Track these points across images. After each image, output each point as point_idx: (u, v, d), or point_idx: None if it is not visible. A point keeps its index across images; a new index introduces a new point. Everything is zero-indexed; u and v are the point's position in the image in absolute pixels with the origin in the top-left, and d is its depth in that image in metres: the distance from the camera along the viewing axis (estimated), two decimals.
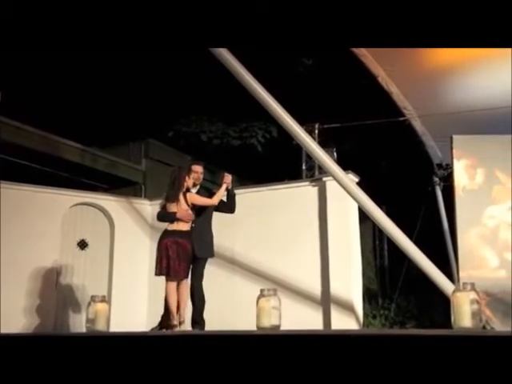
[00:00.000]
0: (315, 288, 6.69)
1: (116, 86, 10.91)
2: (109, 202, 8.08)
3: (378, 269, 12.05)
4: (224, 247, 6.96)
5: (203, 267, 5.48)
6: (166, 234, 5.26)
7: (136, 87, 11.00)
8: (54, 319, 7.21)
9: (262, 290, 3.59)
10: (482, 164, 6.89)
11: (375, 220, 5.74)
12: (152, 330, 5.52)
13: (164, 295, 5.33)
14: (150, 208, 8.01)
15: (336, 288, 6.50)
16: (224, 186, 5.47)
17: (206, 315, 5.41)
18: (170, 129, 11.72)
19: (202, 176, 5.65)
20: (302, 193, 7.11)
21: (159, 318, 5.53)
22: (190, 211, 5.28)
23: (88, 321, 4.25)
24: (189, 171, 5.46)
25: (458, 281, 6.32)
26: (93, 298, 4.31)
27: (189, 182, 5.40)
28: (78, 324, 7.06)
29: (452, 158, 7.07)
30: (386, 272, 11.91)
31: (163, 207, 5.47)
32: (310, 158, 7.35)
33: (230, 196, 5.58)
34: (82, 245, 7.81)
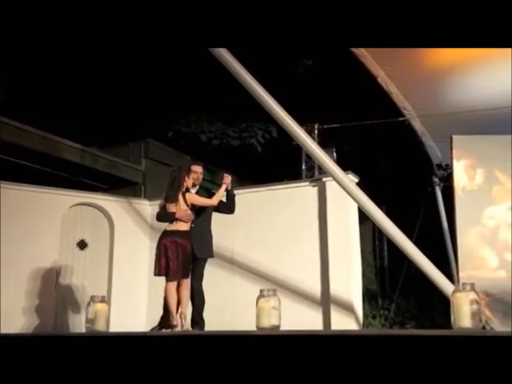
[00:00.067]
0: (315, 288, 6.69)
1: (116, 85, 10.90)
2: (109, 202, 8.08)
3: (377, 269, 12.05)
4: (224, 247, 6.96)
5: (203, 267, 5.48)
6: (165, 234, 5.26)
7: (136, 87, 10.99)
8: (53, 319, 7.21)
9: (261, 291, 3.59)
10: (482, 164, 6.89)
11: (375, 220, 5.75)
12: (152, 330, 5.52)
13: (163, 295, 5.34)
14: (149, 208, 8.01)
15: (336, 288, 6.50)
16: (223, 187, 5.46)
17: (205, 315, 5.40)
18: (170, 129, 11.72)
19: (201, 176, 5.65)
20: (302, 193, 7.11)
21: (159, 318, 5.53)
22: (189, 211, 5.28)
23: (88, 321, 4.25)
24: (188, 171, 5.45)
25: (458, 281, 6.32)
26: (92, 298, 4.31)
27: (188, 182, 5.40)
28: (78, 324, 7.06)
29: (452, 159, 7.07)
30: (385, 272, 11.91)
31: (163, 207, 5.46)
32: (309, 158, 7.34)
33: (230, 196, 5.58)
34: (82, 245, 7.81)
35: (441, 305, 6.40)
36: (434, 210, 9.09)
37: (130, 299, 7.51)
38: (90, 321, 4.21)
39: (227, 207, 5.60)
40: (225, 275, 7.09)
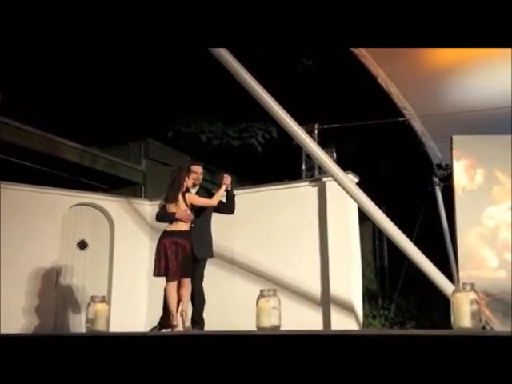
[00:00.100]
0: (315, 288, 6.69)
1: (116, 85, 10.90)
2: (109, 202, 8.08)
3: (377, 269, 12.06)
4: (224, 247, 6.96)
5: (203, 268, 5.48)
6: (164, 234, 5.26)
7: (136, 87, 10.99)
8: (53, 319, 7.21)
9: (261, 291, 3.59)
10: (482, 164, 6.89)
11: (375, 220, 5.75)
12: (151, 330, 5.52)
13: (163, 295, 5.35)
14: (149, 208, 8.01)
15: (336, 288, 6.50)
16: (223, 187, 5.46)
17: (205, 315, 5.41)
18: (170, 129, 11.72)
19: (201, 176, 5.65)
20: (302, 193, 7.11)
21: (159, 319, 5.53)
22: (189, 211, 5.28)
23: (88, 321, 4.25)
24: (188, 171, 5.45)
25: (458, 281, 6.32)
26: (92, 299, 4.31)
27: (188, 182, 5.40)
28: (78, 324, 7.06)
29: (452, 159, 7.07)
30: (385, 272, 11.91)
31: (162, 207, 5.47)
32: (309, 158, 7.34)
33: (230, 197, 5.58)
34: (82, 245, 7.81)
35: (441, 305, 6.40)
36: (434, 210, 9.09)
37: (130, 299, 7.51)
38: (90, 321, 4.20)
39: (227, 207, 5.60)
40: (225, 275, 7.09)
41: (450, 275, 6.82)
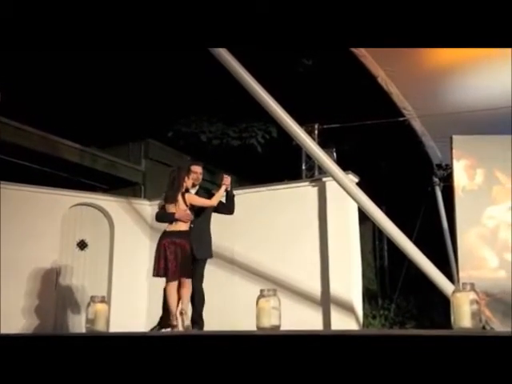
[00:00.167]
0: (315, 288, 6.69)
1: (116, 86, 10.90)
2: (108, 202, 8.08)
3: (377, 269, 12.06)
4: (224, 247, 6.97)
5: (203, 268, 5.48)
6: (164, 234, 5.26)
7: (136, 87, 10.99)
8: (53, 319, 7.21)
9: (261, 291, 3.59)
10: (482, 164, 6.89)
11: (375, 220, 5.74)
12: (151, 330, 5.52)
13: (163, 295, 5.35)
14: (149, 208, 8.01)
15: (336, 288, 6.49)
16: (223, 188, 5.46)
17: (205, 315, 5.41)
18: (170, 129, 11.72)
19: (201, 176, 5.64)
20: (302, 193, 7.11)
21: (159, 319, 5.53)
22: (188, 211, 5.28)
23: (87, 321, 4.24)
24: (188, 172, 5.45)
25: (458, 281, 6.32)
26: (92, 299, 4.30)
27: (188, 182, 5.40)
28: (78, 324, 7.06)
29: (452, 159, 7.07)
30: (385, 272, 11.91)
31: (162, 207, 5.47)
32: (309, 158, 7.34)
33: (229, 197, 5.57)
34: (82, 245, 7.81)
35: (441, 305, 6.40)
36: (434, 210, 9.09)
37: (130, 299, 7.51)
38: (90, 321, 4.20)
39: (227, 208, 5.60)
40: (225, 275, 7.09)
41: (450, 275, 6.82)
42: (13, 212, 6.96)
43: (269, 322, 3.48)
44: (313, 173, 7.84)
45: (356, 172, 6.55)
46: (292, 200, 7.13)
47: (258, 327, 3.51)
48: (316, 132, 8.05)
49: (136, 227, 7.98)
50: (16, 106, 8.11)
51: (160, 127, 11.64)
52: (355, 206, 6.38)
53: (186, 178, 5.37)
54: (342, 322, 6.30)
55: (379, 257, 12.18)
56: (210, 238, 5.56)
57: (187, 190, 5.37)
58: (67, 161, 10.31)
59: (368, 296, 9.09)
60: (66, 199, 7.68)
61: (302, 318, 5.98)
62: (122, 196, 8.79)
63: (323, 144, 6.71)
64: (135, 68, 10.66)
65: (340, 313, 6.41)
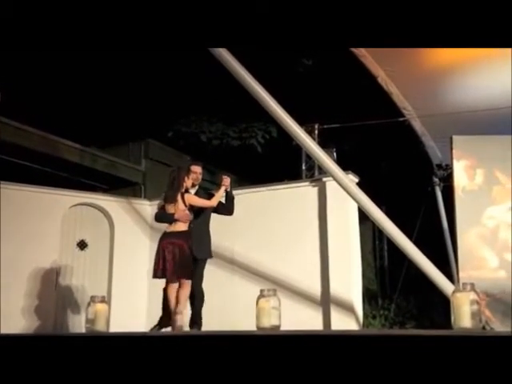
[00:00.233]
0: (315, 288, 6.69)
1: (116, 85, 10.91)
2: (108, 202, 8.07)
3: (377, 269, 12.06)
4: (224, 247, 6.97)
5: (203, 268, 5.48)
6: (164, 235, 5.26)
7: (136, 87, 11.00)
8: (53, 320, 7.21)
9: (261, 291, 3.59)
10: (482, 164, 6.89)
11: (375, 220, 5.75)
12: (151, 330, 5.51)
13: (162, 296, 5.35)
14: (149, 208, 8.01)
15: (336, 288, 6.49)
16: (223, 188, 5.46)
17: (205, 315, 5.40)
18: (170, 129, 11.72)
19: (200, 176, 5.64)
20: (302, 193, 7.11)
21: (158, 319, 5.53)
22: (187, 212, 5.27)
23: (87, 321, 4.25)
24: (188, 172, 5.44)
25: (458, 281, 6.32)
26: (92, 299, 4.30)
27: (188, 182, 5.39)
28: (78, 324, 7.06)
29: (452, 159, 7.06)
30: (385, 272, 11.91)
31: (161, 208, 5.47)
32: (309, 158, 7.34)
33: (229, 198, 5.57)
34: (82, 245, 7.81)
35: (441, 305, 6.41)
36: (434, 210, 9.09)
37: (130, 299, 7.51)
38: (90, 321, 4.20)
39: (226, 209, 5.59)
40: (225, 275, 7.09)
41: (450, 275, 6.82)
42: (13, 212, 6.96)
43: (269, 321, 3.48)
44: (313, 173, 7.84)
45: (356, 172, 6.54)
46: (292, 200, 7.13)
47: (257, 327, 3.51)
48: (316, 132, 8.05)
49: (136, 227, 7.98)
50: (16, 106, 8.11)
51: (160, 127, 11.64)
52: (355, 206, 6.38)
53: (186, 178, 5.36)
54: (342, 322, 6.30)
55: (379, 257, 12.18)
56: (210, 238, 5.56)
57: (187, 190, 5.37)
58: (67, 161, 10.30)
59: (368, 296, 9.09)
60: (66, 199, 7.68)
61: (301, 318, 5.98)
62: (122, 196, 8.79)
63: (323, 144, 6.71)
64: (135, 68, 10.66)
65: (340, 313, 6.41)
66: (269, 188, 7.40)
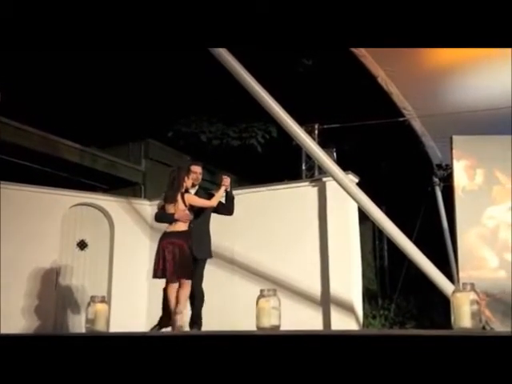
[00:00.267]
0: (315, 288, 6.69)
1: (116, 86, 10.91)
2: (109, 202, 8.07)
3: (377, 269, 12.06)
4: (224, 247, 6.97)
5: (203, 268, 5.48)
6: (164, 235, 5.25)
7: (136, 87, 11.00)
8: (53, 320, 7.21)
9: (261, 291, 3.59)
10: (482, 164, 6.89)
11: (375, 220, 5.75)
12: (151, 330, 5.51)
13: (163, 296, 5.35)
14: (149, 208, 8.01)
15: (336, 288, 6.49)
16: (222, 189, 5.46)
17: (205, 315, 5.40)
18: (170, 129, 11.72)
19: (200, 177, 5.64)
20: (302, 193, 7.11)
21: (158, 318, 5.53)
22: (187, 211, 5.27)
23: (87, 321, 4.25)
24: (188, 172, 5.44)
25: (458, 281, 6.32)
26: (92, 299, 4.30)
27: (188, 182, 5.39)
28: (78, 324, 7.06)
29: (452, 159, 7.07)
30: (385, 272, 11.91)
31: (161, 208, 5.47)
32: (309, 158, 7.34)
33: (229, 198, 5.57)
34: (82, 245, 7.81)
35: (441, 305, 6.41)
36: (434, 210, 9.09)
37: (130, 299, 7.51)
38: (90, 321, 4.20)
39: (226, 209, 5.59)
40: (225, 275, 7.09)
41: (450, 275, 6.82)
42: (13, 212, 6.96)
43: (269, 321, 3.48)
44: (313, 173, 7.84)
45: (356, 172, 6.54)
46: (292, 200, 7.13)
47: (257, 327, 3.51)
48: (316, 132, 8.05)
49: (136, 227, 7.98)
50: (16, 106, 8.11)
51: (160, 127, 11.64)
52: (355, 206, 6.38)
53: (186, 178, 5.36)
54: (342, 322, 6.30)
55: (379, 257, 12.18)
56: (210, 238, 5.56)
57: (187, 190, 5.37)
58: (67, 161, 10.30)
59: (368, 296, 9.09)
60: (66, 199, 7.68)
61: (301, 318, 5.98)
62: (122, 196, 8.79)
63: (323, 144, 6.72)
64: (135, 68, 10.66)
65: (340, 313, 6.41)
66: (269, 188, 7.40)
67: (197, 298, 5.39)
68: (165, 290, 5.26)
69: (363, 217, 6.33)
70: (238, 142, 11.75)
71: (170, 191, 5.31)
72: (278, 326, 3.51)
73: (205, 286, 5.43)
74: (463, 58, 6.18)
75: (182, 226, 5.23)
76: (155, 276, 5.17)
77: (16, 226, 6.96)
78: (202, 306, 5.42)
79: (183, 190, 5.31)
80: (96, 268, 7.78)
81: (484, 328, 4.41)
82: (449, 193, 7.53)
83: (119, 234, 7.90)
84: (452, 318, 3.28)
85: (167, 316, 5.25)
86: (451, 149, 7.02)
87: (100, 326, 4.17)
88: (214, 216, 5.61)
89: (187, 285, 5.19)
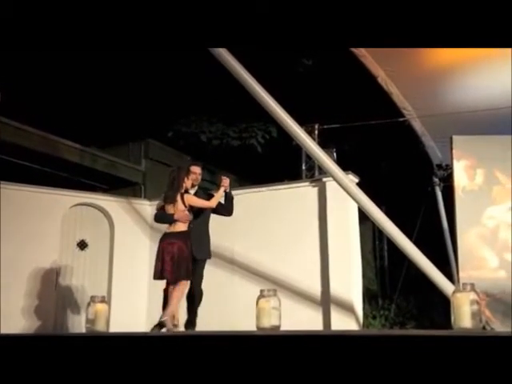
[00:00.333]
0: (315, 288, 6.69)
1: (116, 85, 10.91)
2: (109, 202, 8.07)
3: (377, 269, 12.05)
4: (224, 247, 6.97)
5: (202, 268, 5.48)
6: (164, 236, 5.25)
7: (135, 87, 11.00)
8: (53, 320, 7.20)
9: (261, 291, 3.59)
10: (482, 164, 6.89)
11: (375, 220, 5.75)
12: (152, 329, 5.51)
13: (163, 296, 5.35)
14: (149, 208, 8.00)
15: (336, 288, 6.49)
16: (222, 189, 5.46)
17: (206, 315, 5.40)
18: (170, 129, 11.72)
19: (200, 177, 5.63)
20: (302, 193, 7.11)
21: (159, 318, 5.53)
22: (186, 212, 5.26)
23: (88, 321, 4.25)
24: (187, 172, 5.44)
25: (458, 281, 6.32)
26: (92, 299, 4.31)
27: (187, 183, 5.39)
28: (78, 324, 7.06)
29: (452, 159, 7.07)
30: (385, 272, 11.91)
31: (161, 208, 5.47)
32: (309, 158, 7.34)
33: (228, 199, 5.57)
34: (82, 245, 7.81)
35: (441, 305, 6.40)
36: (434, 210, 9.09)
37: (130, 299, 7.51)
38: (90, 321, 4.21)
39: (225, 209, 5.59)
40: (225, 275, 7.09)
41: (450, 275, 6.82)
42: (13, 212, 6.96)
43: (269, 322, 3.49)
44: (313, 173, 7.84)
45: (356, 172, 6.54)
46: (292, 200, 7.13)
47: (257, 327, 3.51)
48: (316, 132, 8.04)
49: (136, 227, 7.98)
50: (16, 106, 8.11)
51: (160, 127, 11.64)
52: (355, 206, 6.38)
53: (186, 179, 5.36)
54: (342, 322, 6.30)
55: (379, 257, 12.18)
56: (209, 238, 5.56)
57: (186, 191, 5.37)
58: (67, 161, 10.30)
59: (368, 296, 9.08)
60: (66, 199, 7.68)
61: (301, 318, 5.98)
62: (122, 196, 8.79)
63: (323, 144, 6.71)
64: (135, 68, 10.66)
65: (340, 313, 6.41)
66: (269, 188, 7.40)
67: (196, 298, 5.39)
68: (165, 291, 5.26)
69: (363, 217, 6.33)
70: (238, 142, 11.75)
71: (170, 191, 5.30)
72: (278, 326, 3.51)
73: (205, 286, 5.43)
74: (463, 58, 6.18)
75: (181, 227, 5.22)
76: (155, 277, 5.17)
77: (16, 226, 6.96)
78: (199, 305, 5.42)
79: (183, 191, 5.31)
80: (96, 268, 7.78)
81: (484, 328, 4.40)
82: (449, 193, 7.53)
83: (119, 234, 7.90)
84: (452, 318, 3.28)
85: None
86: (451, 149, 7.02)
87: (100, 326, 4.17)
88: (214, 216, 5.61)
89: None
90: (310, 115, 7.88)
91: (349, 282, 6.52)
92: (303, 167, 8.11)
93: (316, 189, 7.01)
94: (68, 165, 10.37)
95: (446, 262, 8.17)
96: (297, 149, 7.60)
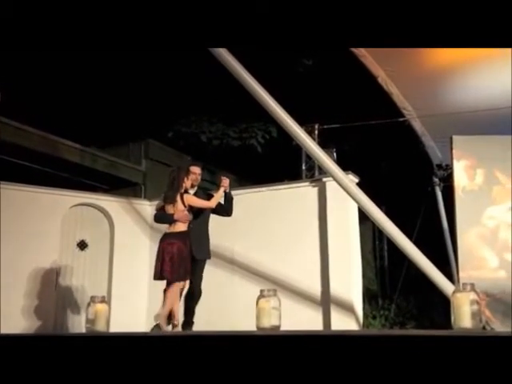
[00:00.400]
0: (315, 288, 6.68)
1: (116, 86, 10.91)
2: (109, 202, 8.07)
3: (377, 269, 12.06)
4: (224, 247, 6.97)
5: (202, 268, 5.49)
6: (164, 237, 5.26)
7: (136, 87, 11.00)
8: (53, 320, 7.20)
9: (261, 291, 3.59)
10: (482, 164, 6.89)
11: (375, 220, 5.75)
12: (152, 329, 5.51)
13: (163, 296, 5.35)
14: (149, 208, 8.00)
15: (336, 288, 6.49)
16: (222, 189, 5.47)
17: (206, 315, 5.41)
18: (170, 129, 11.73)
19: (199, 177, 5.64)
20: (302, 193, 7.11)
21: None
22: (186, 212, 5.27)
23: (88, 321, 4.25)
24: (187, 172, 5.45)
25: (458, 281, 6.32)
26: (92, 299, 4.30)
27: (187, 183, 5.39)
28: (78, 324, 7.06)
29: (452, 159, 7.07)
30: (385, 272, 11.91)
31: (161, 208, 5.47)
32: (309, 158, 7.35)
33: (228, 199, 5.57)
34: (82, 245, 7.81)
35: (441, 305, 6.40)
36: (434, 210, 9.09)
37: (130, 299, 7.51)
38: (90, 321, 4.20)
39: (225, 210, 5.60)
40: (225, 275, 7.09)
41: (450, 275, 6.82)
42: (13, 212, 6.95)
43: (269, 322, 3.48)
44: (313, 173, 7.84)
45: (356, 172, 6.54)
46: (292, 200, 7.12)
47: (257, 327, 3.51)
48: (316, 132, 8.05)
49: (136, 227, 7.98)
50: (16, 106, 8.11)
51: (160, 127, 11.65)
52: (355, 206, 6.38)
53: (185, 179, 5.37)
54: (342, 322, 6.30)
55: (379, 257, 12.18)
56: (208, 239, 5.57)
57: (186, 191, 5.37)
58: (67, 161, 10.31)
59: (368, 296, 9.08)
60: (66, 199, 7.68)
61: (301, 318, 5.97)
62: (123, 196, 8.78)
63: (323, 144, 6.71)
64: (135, 68, 10.66)
65: (340, 313, 6.41)
66: (269, 188, 7.40)
67: (195, 298, 5.40)
68: (165, 291, 5.26)
69: (363, 217, 6.33)
70: (238, 142, 11.76)
71: (170, 192, 5.31)
72: (278, 327, 3.51)
73: (205, 286, 5.43)
74: (463, 58, 6.18)
75: (181, 227, 5.23)
76: (155, 278, 5.17)
77: (16, 227, 6.96)
78: (196, 306, 5.42)
79: (182, 191, 5.31)
80: (96, 268, 7.78)
81: (484, 328, 4.41)
82: (449, 193, 7.53)
83: (119, 234, 7.90)
84: (452, 318, 3.28)
85: (168, 316, 5.24)
86: (451, 149, 7.02)
87: (100, 326, 4.17)
88: (214, 216, 5.61)
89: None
90: (310, 115, 7.88)
91: (349, 282, 6.52)
92: (303, 167, 8.12)
93: (316, 189, 7.01)
94: (68, 165, 10.37)
95: (446, 262, 8.17)
96: (297, 149, 7.60)
